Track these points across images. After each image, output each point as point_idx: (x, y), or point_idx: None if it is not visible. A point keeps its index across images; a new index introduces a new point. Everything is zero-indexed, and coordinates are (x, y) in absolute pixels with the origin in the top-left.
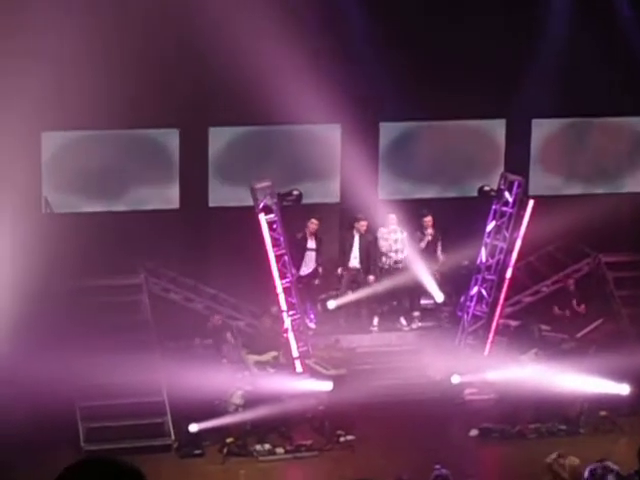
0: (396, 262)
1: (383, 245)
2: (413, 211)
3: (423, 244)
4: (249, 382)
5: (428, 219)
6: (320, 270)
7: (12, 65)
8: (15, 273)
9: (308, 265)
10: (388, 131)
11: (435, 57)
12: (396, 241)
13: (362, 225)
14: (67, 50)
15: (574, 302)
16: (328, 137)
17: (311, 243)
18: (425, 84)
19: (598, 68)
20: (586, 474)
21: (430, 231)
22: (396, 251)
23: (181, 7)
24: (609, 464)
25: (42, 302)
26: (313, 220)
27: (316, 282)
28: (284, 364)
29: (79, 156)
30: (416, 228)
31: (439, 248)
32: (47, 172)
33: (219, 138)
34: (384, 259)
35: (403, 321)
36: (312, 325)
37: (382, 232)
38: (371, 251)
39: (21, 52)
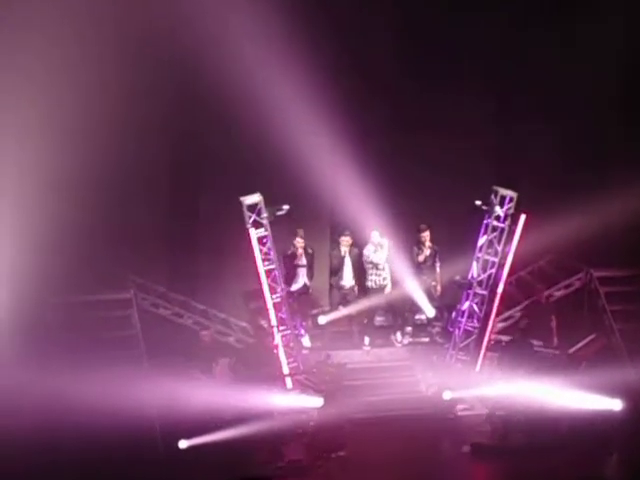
0: (384, 279)
1: (369, 263)
2: (405, 226)
3: (422, 257)
4: (239, 398)
5: (426, 234)
6: (309, 285)
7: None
8: (8, 287)
9: (299, 282)
10: (379, 145)
11: (429, 67)
12: (381, 259)
13: (345, 241)
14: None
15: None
16: (319, 151)
17: (301, 260)
18: (418, 93)
19: (590, 83)
20: None
21: (429, 244)
22: (384, 269)
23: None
24: None
25: (31, 317)
26: (298, 239)
27: (306, 297)
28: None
29: None
30: (411, 242)
31: (437, 262)
32: None
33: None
34: (373, 277)
35: (395, 337)
36: (307, 342)
37: (368, 249)
38: (358, 266)
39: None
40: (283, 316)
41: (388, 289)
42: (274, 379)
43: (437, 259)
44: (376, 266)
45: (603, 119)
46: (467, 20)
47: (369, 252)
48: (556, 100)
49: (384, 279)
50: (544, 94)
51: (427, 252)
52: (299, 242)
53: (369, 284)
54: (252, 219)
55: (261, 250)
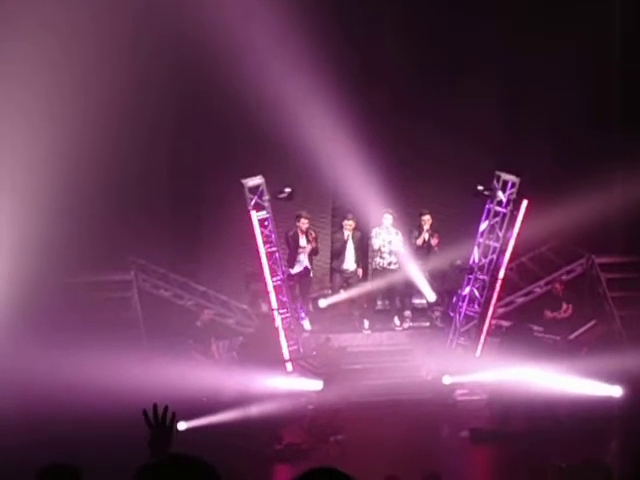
0: (390, 263)
1: (376, 245)
2: (407, 210)
3: (420, 241)
4: (238, 380)
5: (427, 217)
6: (310, 268)
7: None
8: (8, 269)
9: (301, 263)
10: (383, 131)
11: (433, 58)
12: (390, 242)
13: (349, 225)
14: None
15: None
16: (320, 133)
17: (303, 241)
18: (422, 83)
19: (593, 74)
20: None
21: (427, 228)
22: (390, 252)
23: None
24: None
25: (31, 297)
26: (303, 220)
27: (307, 280)
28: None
29: None
30: (412, 226)
31: (436, 247)
32: None
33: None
34: (378, 259)
35: (395, 321)
36: (307, 325)
37: (376, 232)
38: (361, 250)
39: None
40: (284, 299)
41: (391, 273)
42: (275, 362)
43: (435, 245)
44: (380, 250)
45: (605, 107)
46: (472, 16)
47: (373, 234)
48: (559, 89)
49: (389, 263)
50: (547, 84)
51: (425, 236)
52: (304, 223)
53: (373, 266)
54: (254, 201)
55: (262, 232)
